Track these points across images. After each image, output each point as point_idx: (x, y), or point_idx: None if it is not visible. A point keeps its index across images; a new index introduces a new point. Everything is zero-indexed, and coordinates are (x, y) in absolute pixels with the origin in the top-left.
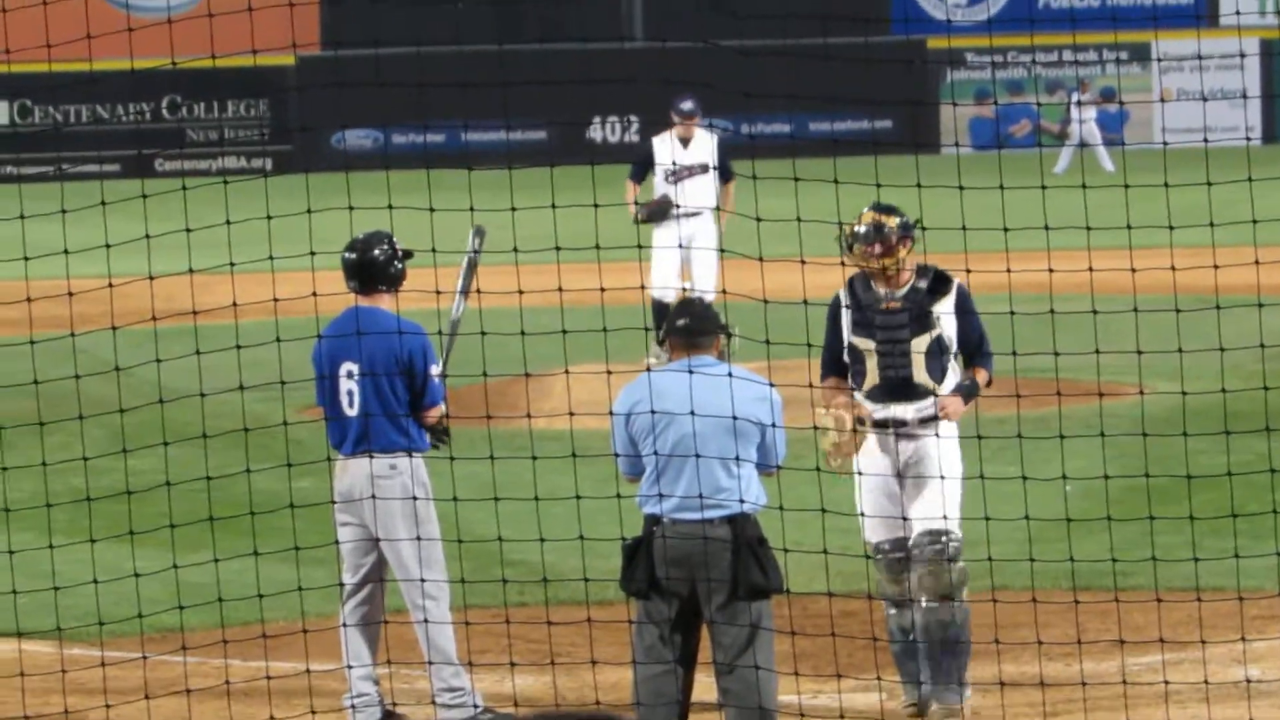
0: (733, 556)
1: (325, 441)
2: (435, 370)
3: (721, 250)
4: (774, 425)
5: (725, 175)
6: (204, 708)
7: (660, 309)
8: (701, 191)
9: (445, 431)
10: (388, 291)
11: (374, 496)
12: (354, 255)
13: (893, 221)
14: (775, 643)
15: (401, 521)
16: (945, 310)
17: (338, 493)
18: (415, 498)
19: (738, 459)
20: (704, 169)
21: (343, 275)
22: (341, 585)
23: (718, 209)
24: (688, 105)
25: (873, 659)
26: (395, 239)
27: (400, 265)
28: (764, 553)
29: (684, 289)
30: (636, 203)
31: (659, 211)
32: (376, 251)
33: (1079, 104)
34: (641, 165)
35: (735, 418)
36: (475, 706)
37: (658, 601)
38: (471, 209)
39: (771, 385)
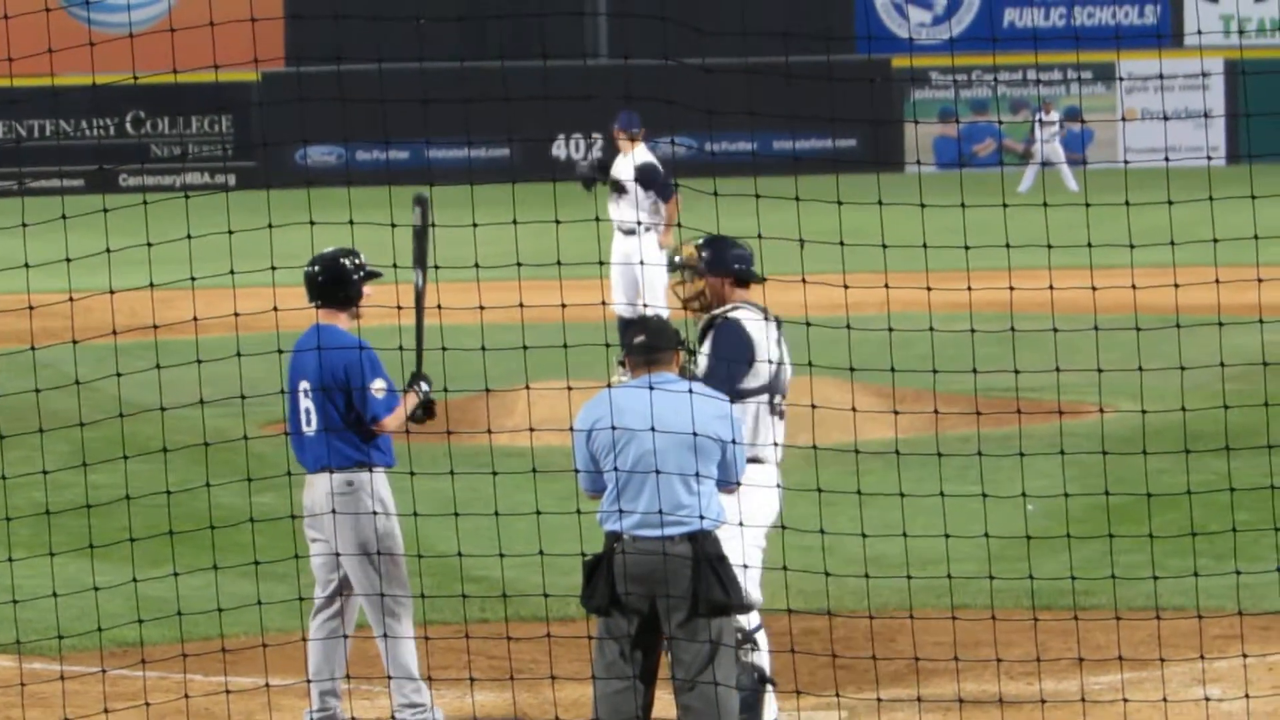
0: (693, 573)
1: (286, 456)
2: (377, 386)
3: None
4: (734, 441)
5: (665, 196)
6: None
7: (625, 326)
8: (624, 210)
9: (426, 408)
10: (343, 309)
11: (334, 512)
12: (309, 271)
13: (689, 252)
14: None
15: (360, 537)
16: (707, 342)
17: (305, 508)
18: (375, 513)
19: (698, 475)
20: (622, 188)
21: (305, 291)
22: (301, 599)
23: (647, 227)
24: (616, 125)
25: (833, 677)
26: (363, 257)
27: (356, 282)
28: (724, 569)
29: (644, 305)
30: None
31: (588, 172)
32: (333, 268)
33: (1042, 123)
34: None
35: (695, 434)
36: (432, 708)
37: (618, 618)
38: (433, 224)
39: (731, 401)
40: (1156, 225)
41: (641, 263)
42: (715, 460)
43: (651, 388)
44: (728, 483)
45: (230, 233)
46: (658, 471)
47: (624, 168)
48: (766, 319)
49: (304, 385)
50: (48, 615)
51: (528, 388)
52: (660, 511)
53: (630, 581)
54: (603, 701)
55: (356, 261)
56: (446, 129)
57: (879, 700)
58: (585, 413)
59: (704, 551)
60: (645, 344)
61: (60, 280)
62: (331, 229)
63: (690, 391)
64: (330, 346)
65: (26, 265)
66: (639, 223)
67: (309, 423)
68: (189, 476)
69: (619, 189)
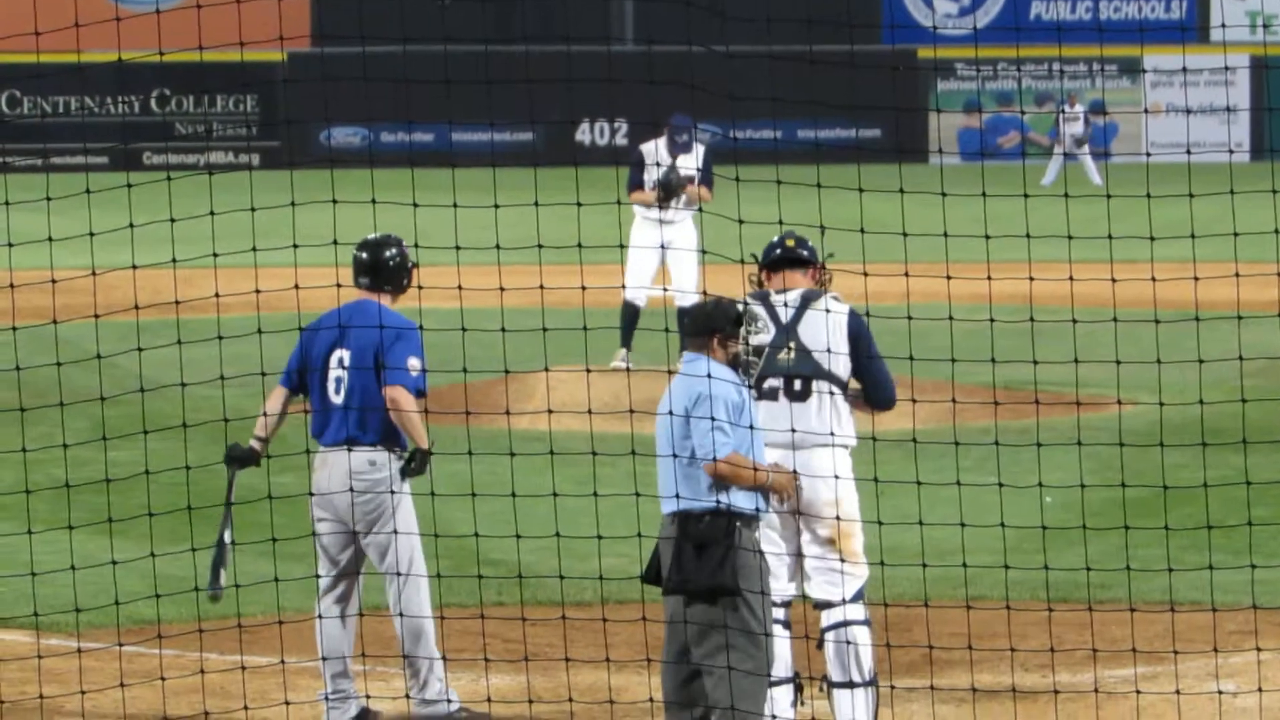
0: (676, 553)
1: (306, 436)
2: (413, 363)
3: (703, 252)
4: (707, 418)
5: (706, 182)
6: (179, 699)
7: (630, 312)
8: (687, 200)
9: (418, 459)
10: (395, 294)
11: (350, 489)
12: (379, 254)
13: None
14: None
15: (381, 517)
16: None
17: (315, 485)
18: (393, 492)
19: (692, 456)
20: (691, 181)
21: (352, 271)
22: (318, 578)
23: (700, 210)
24: (684, 137)
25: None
26: (406, 246)
27: (410, 270)
28: (705, 552)
29: (663, 290)
30: (653, 188)
31: (671, 185)
32: (402, 253)
33: (1065, 115)
34: (638, 169)
35: (669, 413)
36: (450, 702)
37: (665, 597)
38: (455, 205)
39: (740, 384)
40: (1178, 219)
41: (664, 247)
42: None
43: (670, 371)
44: (703, 460)
45: (253, 210)
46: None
47: (689, 161)
48: (766, 303)
49: (340, 355)
50: (65, 591)
51: (547, 370)
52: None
53: (660, 560)
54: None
55: (405, 250)
56: (470, 112)
57: (892, 689)
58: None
59: (688, 532)
60: (681, 326)
61: (83, 256)
62: (354, 209)
63: (710, 375)
64: (379, 324)
65: (50, 240)
66: (661, 208)
67: (337, 392)
68: (208, 454)
69: (690, 181)
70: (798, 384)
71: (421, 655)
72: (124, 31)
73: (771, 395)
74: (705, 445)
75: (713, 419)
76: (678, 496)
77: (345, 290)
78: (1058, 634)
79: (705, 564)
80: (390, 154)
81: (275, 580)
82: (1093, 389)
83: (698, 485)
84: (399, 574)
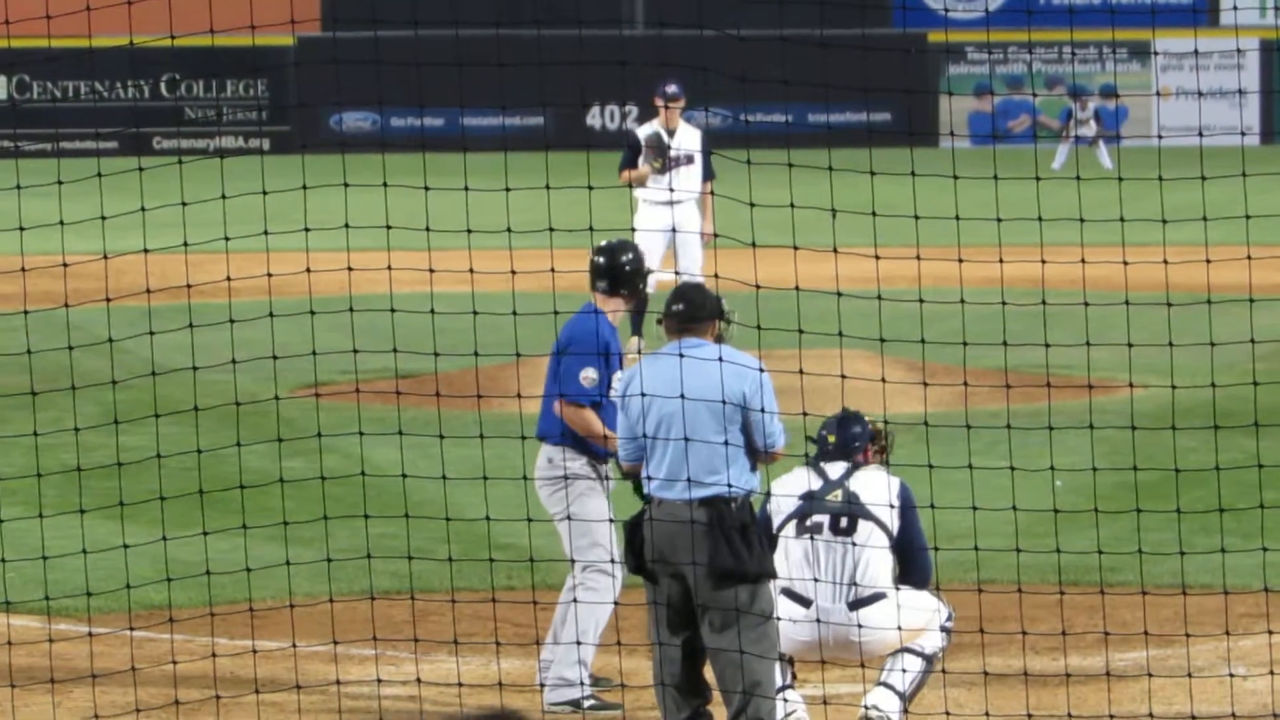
0: (709, 539)
1: (317, 420)
2: (589, 375)
3: (716, 235)
4: (762, 406)
5: (707, 174)
6: (190, 684)
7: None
8: (687, 179)
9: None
10: (627, 297)
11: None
12: (602, 259)
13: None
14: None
15: (561, 510)
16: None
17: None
18: (528, 476)
19: (722, 440)
20: (689, 159)
21: (590, 275)
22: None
23: (710, 193)
24: (672, 89)
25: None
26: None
27: (642, 288)
28: (743, 537)
29: (675, 274)
30: (648, 162)
31: (662, 144)
32: (626, 258)
33: (1077, 121)
34: (632, 152)
35: (685, 398)
36: (583, 685)
37: (652, 583)
38: (466, 189)
39: (761, 369)
40: (1189, 203)
41: (674, 230)
42: (738, 425)
43: (681, 354)
44: (761, 450)
45: (264, 194)
46: (668, 438)
47: (687, 138)
48: None
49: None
50: (76, 576)
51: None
52: (665, 475)
53: (656, 545)
54: (656, 666)
55: (646, 270)
56: (481, 97)
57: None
58: (620, 382)
59: (722, 517)
60: (680, 311)
61: (94, 241)
62: (365, 193)
63: (719, 358)
64: (578, 332)
65: (61, 224)
66: (671, 190)
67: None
68: (218, 439)
69: (689, 159)
70: None
71: (569, 639)
72: (135, 15)
73: None
74: (773, 434)
75: (760, 407)
76: (707, 483)
77: (356, 274)
78: (1069, 617)
79: (751, 549)
80: (401, 138)
81: (287, 564)
82: (1104, 372)
83: (726, 470)
84: (573, 561)
